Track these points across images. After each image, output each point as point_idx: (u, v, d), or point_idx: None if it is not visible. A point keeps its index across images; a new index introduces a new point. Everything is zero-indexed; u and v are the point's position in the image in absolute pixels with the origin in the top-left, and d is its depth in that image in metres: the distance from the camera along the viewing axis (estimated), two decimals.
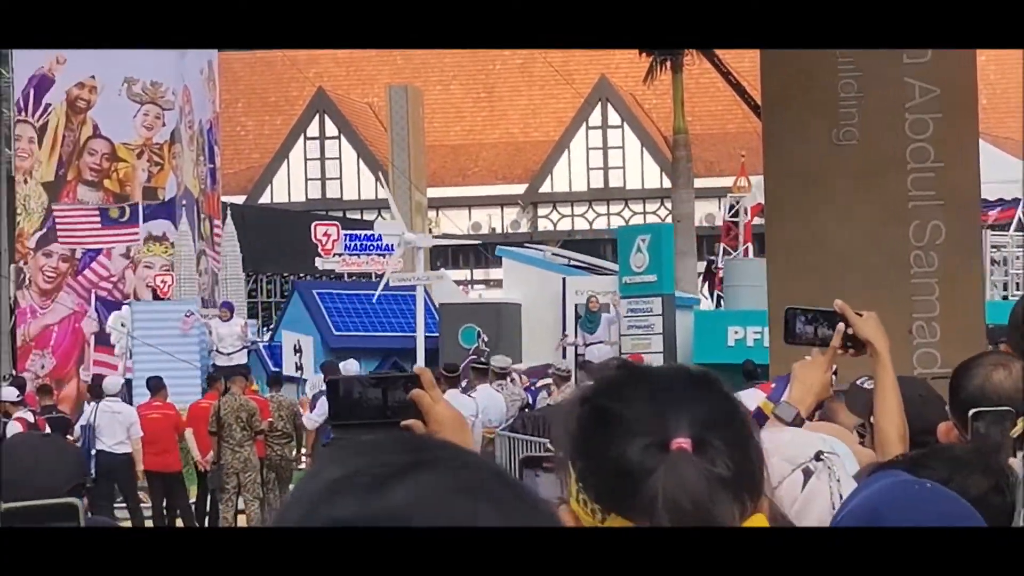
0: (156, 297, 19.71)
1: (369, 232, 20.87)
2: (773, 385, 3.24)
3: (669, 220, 22.78)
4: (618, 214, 25.52)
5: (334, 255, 20.70)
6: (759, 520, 1.31)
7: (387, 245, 19.52)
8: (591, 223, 29.20)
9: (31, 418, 12.46)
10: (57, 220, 20.50)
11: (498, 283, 23.51)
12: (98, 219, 20.51)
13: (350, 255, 20.73)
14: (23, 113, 21.34)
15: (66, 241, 20.29)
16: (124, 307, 18.82)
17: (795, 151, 7.14)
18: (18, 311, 20.64)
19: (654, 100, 25.13)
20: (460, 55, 27.29)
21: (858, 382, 3.40)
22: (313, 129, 31.47)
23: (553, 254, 20.93)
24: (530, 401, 13.94)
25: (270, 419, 13.28)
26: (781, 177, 7.21)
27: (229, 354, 17.23)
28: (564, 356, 17.35)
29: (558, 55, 24.88)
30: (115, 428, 12.70)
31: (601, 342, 17.05)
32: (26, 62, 21.32)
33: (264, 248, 20.63)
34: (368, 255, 20.71)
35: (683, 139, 21.36)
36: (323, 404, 10.53)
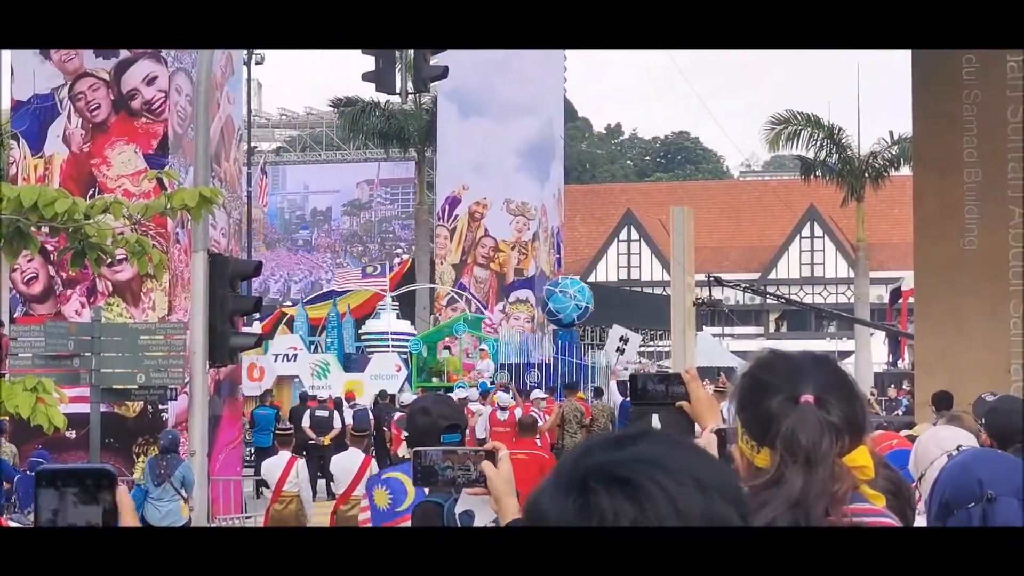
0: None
1: None
2: None
3: (852, 300, 50.06)
4: (819, 294, 53.51)
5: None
6: (861, 453, 2.93)
7: None
8: (800, 299, 58.23)
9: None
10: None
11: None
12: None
13: None
14: (441, 220, 50.58)
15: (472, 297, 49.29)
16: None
17: (936, 253, 17.80)
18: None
19: (844, 220, 55.26)
20: (717, 189, 60.86)
21: (982, 396, 8.05)
22: (623, 235, 65.90)
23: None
24: None
25: (591, 417, 30.70)
26: (926, 270, 18.37)
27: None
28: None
29: (779, 189, 57.46)
30: None
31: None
32: (442, 190, 50.67)
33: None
34: None
35: (863, 245, 47.33)
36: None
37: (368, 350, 38.22)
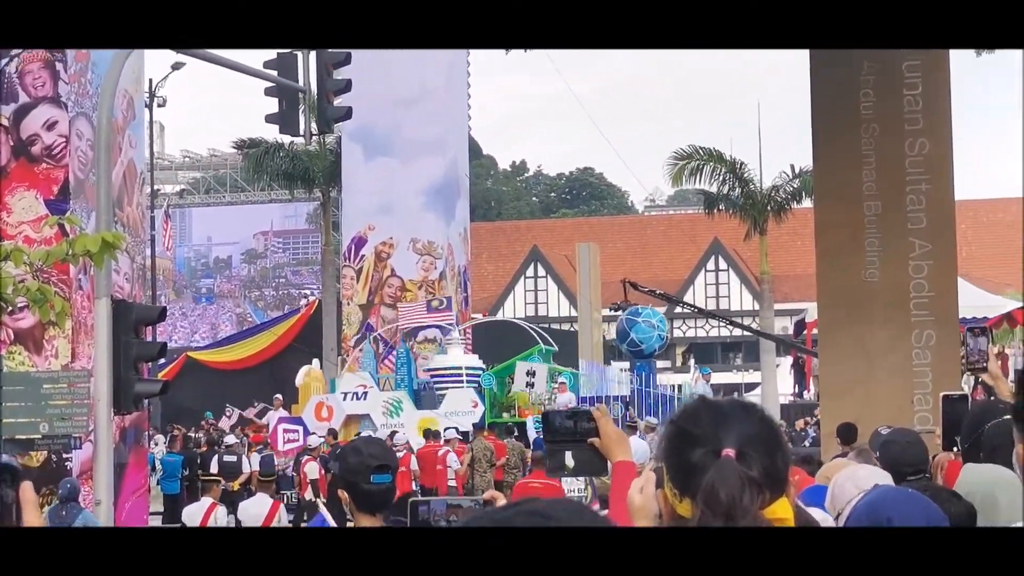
0: None
1: None
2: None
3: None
4: (726, 326, 53.74)
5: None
6: (782, 505, 2.94)
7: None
8: (707, 332, 59.05)
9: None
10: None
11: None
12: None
13: None
14: (347, 260, 50.38)
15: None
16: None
17: (839, 286, 17.72)
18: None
19: (748, 253, 55.91)
20: (622, 224, 61.80)
21: (877, 429, 8.57)
22: (530, 272, 67.52)
23: None
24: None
25: (506, 457, 27.04)
26: (830, 302, 18.09)
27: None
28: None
29: (683, 223, 58.44)
30: None
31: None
32: (350, 229, 50.49)
33: (491, 345, 48.62)
34: None
35: (767, 277, 47.89)
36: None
37: (437, 386, 37.17)
